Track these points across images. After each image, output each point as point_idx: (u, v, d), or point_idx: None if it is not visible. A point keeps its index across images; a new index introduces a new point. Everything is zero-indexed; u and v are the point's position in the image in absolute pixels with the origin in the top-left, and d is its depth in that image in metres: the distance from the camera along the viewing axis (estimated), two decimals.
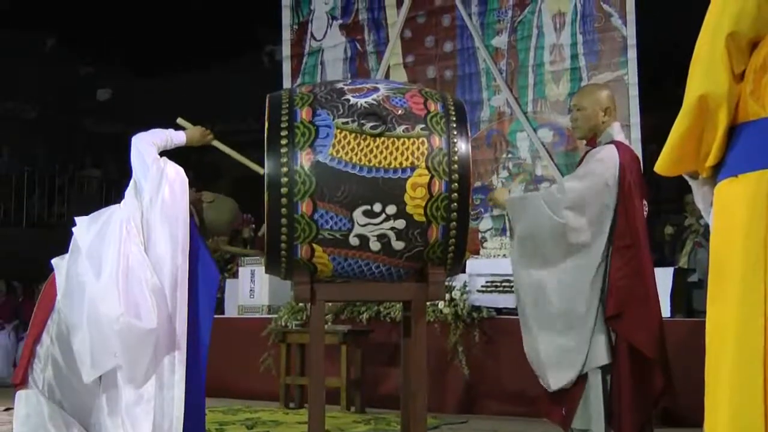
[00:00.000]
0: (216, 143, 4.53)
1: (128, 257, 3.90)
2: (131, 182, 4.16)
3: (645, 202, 4.46)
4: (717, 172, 2.29)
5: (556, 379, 4.30)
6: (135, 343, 3.82)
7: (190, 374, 3.98)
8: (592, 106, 4.47)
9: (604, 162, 4.34)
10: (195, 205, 4.24)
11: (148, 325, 3.81)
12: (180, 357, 3.95)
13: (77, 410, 3.96)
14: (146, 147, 4.12)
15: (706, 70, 2.23)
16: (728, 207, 2.21)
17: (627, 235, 4.29)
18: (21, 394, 3.98)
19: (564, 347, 4.27)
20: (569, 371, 4.27)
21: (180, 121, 4.53)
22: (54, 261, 4.14)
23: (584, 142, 4.71)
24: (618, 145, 4.42)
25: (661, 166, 2.39)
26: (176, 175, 4.10)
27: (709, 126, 2.23)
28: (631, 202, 4.32)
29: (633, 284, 4.27)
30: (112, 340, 3.81)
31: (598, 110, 4.46)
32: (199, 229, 4.26)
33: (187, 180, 4.14)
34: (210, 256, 4.35)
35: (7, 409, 7.54)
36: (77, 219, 4.14)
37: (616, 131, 4.50)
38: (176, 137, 4.30)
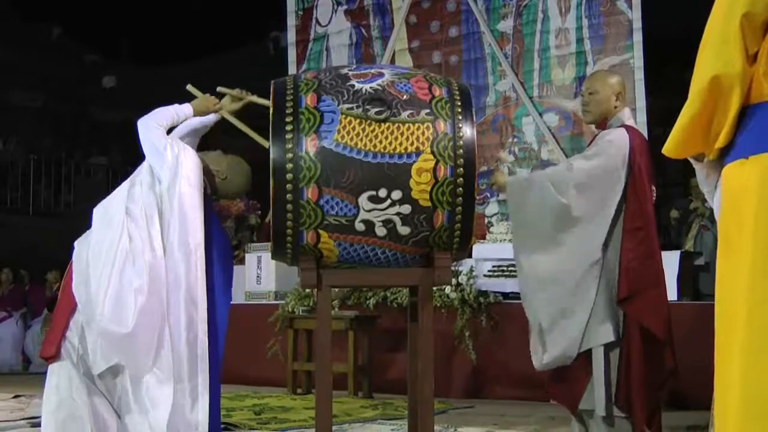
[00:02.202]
0: (224, 113, 4.40)
1: (124, 256, 3.88)
2: (145, 166, 4.08)
3: (653, 187, 4.46)
4: (724, 155, 2.29)
5: (555, 358, 4.31)
6: (115, 346, 3.84)
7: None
8: (604, 91, 4.46)
9: (614, 143, 4.34)
10: (207, 177, 4.20)
11: (122, 330, 3.79)
12: (202, 348, 3.94)
13: (107, 386, 3.97)
14: (154, 132, 4.03)
15: (719, 51, 2.22)
16: (737, 189, 2.20)
17: (638, 217, 4.30)
18: (54, 366, 3.97)
19: (566, 326, 4.28)
20: (572, 347, 4.28)
21: (189, 88, 4.43)
22: (76, 243, 4.10)
23: (593, 126, 4.71)
24: (628, 128, 4.42)
25: (669, 149, 2.38)
26: (191, 163, 4.05)
27: (720, 107, 2.23)
28: (641, 185, 4.32)
29: (644, 266, 4.28)
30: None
31: (611, 95, 4.46)
32: (211, 195, 4.25)
33: (201, 165, 4.11)
34: (227, 239, 4.37)
35: (15, 396, 7.58)
36: (95, 209, 4.11)
37: (627, 116, 4.51)
38: (182, 111, 4.21)
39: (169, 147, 4.01)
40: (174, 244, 3.96)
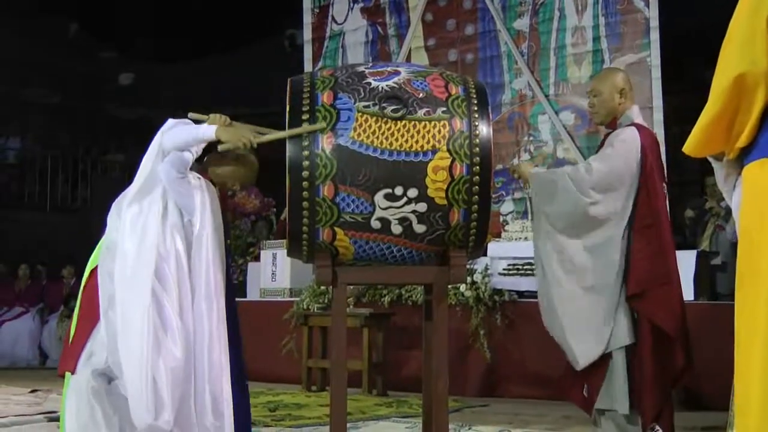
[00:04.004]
0: (234, 124, 4.34)
1: (152, 341, 3.77)
2: (172, 207, 3.98)
3: (664, 185, 4.48)
4: (745, 154, 2.27)
5: (584, 357, 4.31)
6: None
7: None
8: (608, 90, 4.49)
9: (627, 143, 4.36)
10: (223, 201, 4.21)
11: (166, 427, 3.76)
12: (227, 394, 3.93)
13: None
14: (179, 185, 3.93)
15: (744, 50, 2.20)
16: (760, 188, 2.19)
17: (648, 215, 4.32)
18: (71, 377, 3.96)
19: (590, 320, 4.28)
20: (597, 345, 4.28)
21: (192, 115, 4.17)
22: (100, 262, 3.98)
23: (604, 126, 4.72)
24: (638, 126, 4.45)
25: (689, 147, 2.37)
26: (214, 202, 4.02)
27: (744, 106, 2.21)
28: (652, 183, 4.35)
29: (654, 264, 4.29)
30: None
31: (614, 93, 4.48)
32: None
33: (217, 200, 4.11)
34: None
35: (32, 391, 7.62)
36: (121, 240, 3.95)
37: (635, 114, 4.53)
38: (203, 134, 3.96)
39: (198, 194, 3.95)
40: (201, 297, 3.93)
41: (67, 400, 3.95)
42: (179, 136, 3.94)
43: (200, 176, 4.03)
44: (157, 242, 3.93)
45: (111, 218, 4.05)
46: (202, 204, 3.96)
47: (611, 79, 4.55)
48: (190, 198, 3.95)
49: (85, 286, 4.05)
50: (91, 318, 3.94)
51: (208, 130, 3.89)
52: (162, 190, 3.99)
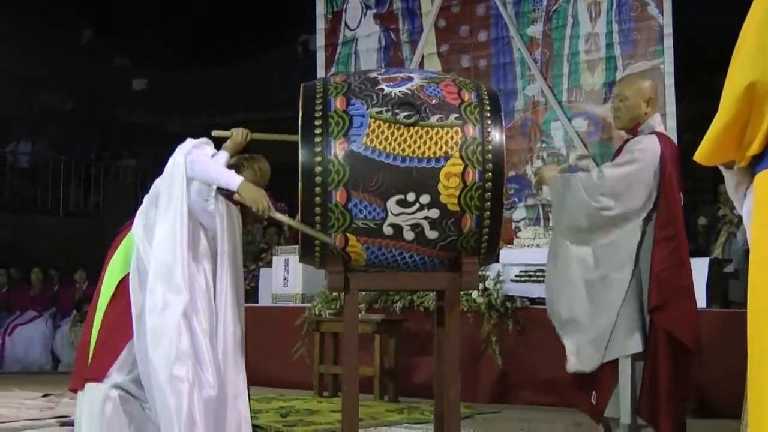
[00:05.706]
0: (255, 135, 4.38)
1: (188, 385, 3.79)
2: (203, 241, 4.05)
3: (681, 195, 4.45)
4: (756, 162, 2.27)
5: (574, 364, 4.31)
6: None
7: None
8: (635, 97, 4.45)
9: (646, 151, 4.33)
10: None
11: None
12: (245, 404, 3.99)
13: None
14: (205, 210, 4.01)
15: (755, 58, 2.18)
16: None
17: (669, 225, 4.28)
18: (87, 390, 3.96)
19: (589, 329, 4.28)
20: (593, 356, 4.27)
21: (216, 133, 4.27)
22: (131, 279, 3.97)
23: (622, 132, 4.70)
24: (659, 135, 4.41)
25: (700, 156, 2.36)
26: (233, 219, 4.08)
27: (755, 114, 2.20)
28: (672, 193, 4.31)
29: (676, 275, 4.26)
30: None
31: (641, 101, 4.44)
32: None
33: (239, 220, 4.14)
34: None
35: (45, 395, 7.64)
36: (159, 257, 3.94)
37: (657, 122, 4.50)
38: (221, 160, 4.08)
39: (218, 218, 4.01)
40: (221, 320, 3.98)
41: (82, 413, 3.94)
42: (205, 174, 4.00)
43: (222, 198, 4.04)
44: (187, 269, 3.95)
45: (138, 237, 4.03)
46: (221, 228, 4.01)
47: (639, 85, 4.52)
48: (213, 221, 4.02)
49: (114, 295, 4.02)
50: (126, 331, 3.92)
51: (232, 181, 3.94)
52: (188, 213, 4.01)
